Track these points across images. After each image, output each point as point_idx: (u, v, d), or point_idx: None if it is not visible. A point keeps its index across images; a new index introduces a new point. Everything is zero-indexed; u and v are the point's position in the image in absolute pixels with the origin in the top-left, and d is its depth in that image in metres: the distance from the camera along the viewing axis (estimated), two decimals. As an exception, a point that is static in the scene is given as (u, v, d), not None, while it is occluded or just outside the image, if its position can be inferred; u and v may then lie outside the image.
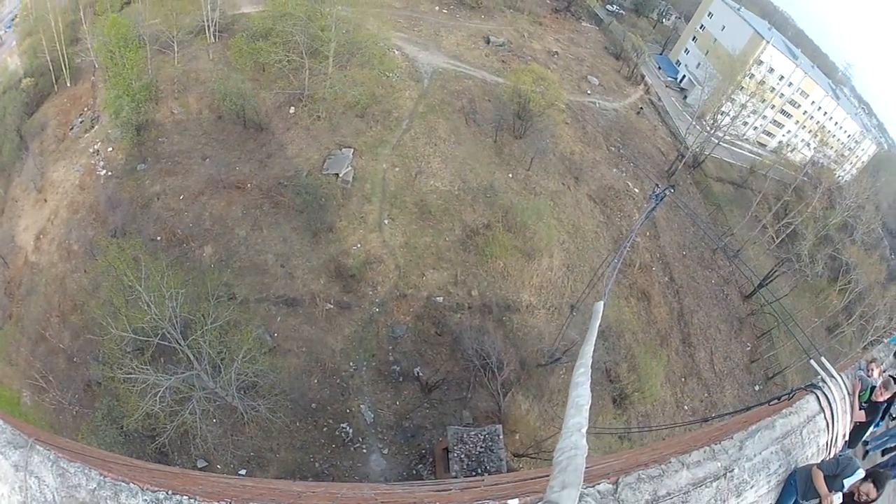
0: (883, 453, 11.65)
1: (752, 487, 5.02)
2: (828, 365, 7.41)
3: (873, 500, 5.45)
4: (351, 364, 31.04)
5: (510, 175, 42.46)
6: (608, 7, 78.37)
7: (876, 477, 5.58)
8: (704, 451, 4.85)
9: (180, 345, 24.29)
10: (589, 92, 55.55)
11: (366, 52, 41.97)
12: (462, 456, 24.57)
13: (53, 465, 3.60)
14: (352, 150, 39.88)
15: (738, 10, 67.65)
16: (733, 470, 4.86)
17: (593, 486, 3.83)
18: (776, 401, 7.05)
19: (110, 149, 41.09)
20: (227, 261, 34.31)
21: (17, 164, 44.41)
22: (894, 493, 8.25)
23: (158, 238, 35.60)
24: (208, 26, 46.82)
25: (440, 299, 34.33)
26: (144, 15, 47.36)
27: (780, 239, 52.75)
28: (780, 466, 5.57)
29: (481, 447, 24.91)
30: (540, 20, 62.92)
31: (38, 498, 3.58)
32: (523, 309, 35.60)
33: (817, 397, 6.81)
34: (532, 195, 41.28)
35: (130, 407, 23.64)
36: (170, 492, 3.52)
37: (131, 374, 23.26)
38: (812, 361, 7.70)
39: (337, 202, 36.97)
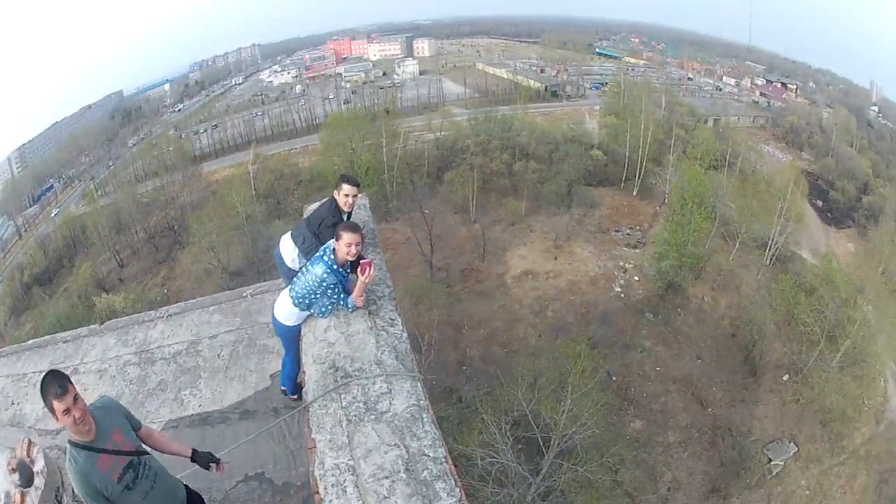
0: None
1: None
2: None
3: None
4: None
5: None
6: None
7: None
8: None
9: (547, 455, 24.55)
10: None
11: (866, 366, 37.84)
12: None
13: (415, 407, 3.91)
14: (796, 449, 36.39)
15: None
16: None
17: None
18: None
19: (636, 278, 43.61)
20: (641, 446, 34.09)
21: (552, 206, 50.34)
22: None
23: (614, 378, 37.01)
24: (770, 247, 46.04)
25: None
26: (725, 192, 48.92)
27: None
28: None
29: None
30: None
31: (371, 395, 4.02)
32: None
33: None
34: None
35: (465, 440, 24.57)
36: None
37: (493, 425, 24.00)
38: None
39: (749, 482, 34.27)
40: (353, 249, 4.58)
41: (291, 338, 5.12)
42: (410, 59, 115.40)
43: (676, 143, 55.69)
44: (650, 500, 32.61)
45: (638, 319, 41.29)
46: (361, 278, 4.62)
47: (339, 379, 4.19)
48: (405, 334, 4.76)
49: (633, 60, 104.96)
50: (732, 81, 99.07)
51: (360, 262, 4.66)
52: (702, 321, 42.25)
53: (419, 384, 4.19)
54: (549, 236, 47.88)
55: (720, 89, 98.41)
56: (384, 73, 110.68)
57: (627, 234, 49.29)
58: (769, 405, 38.54)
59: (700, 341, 41.20)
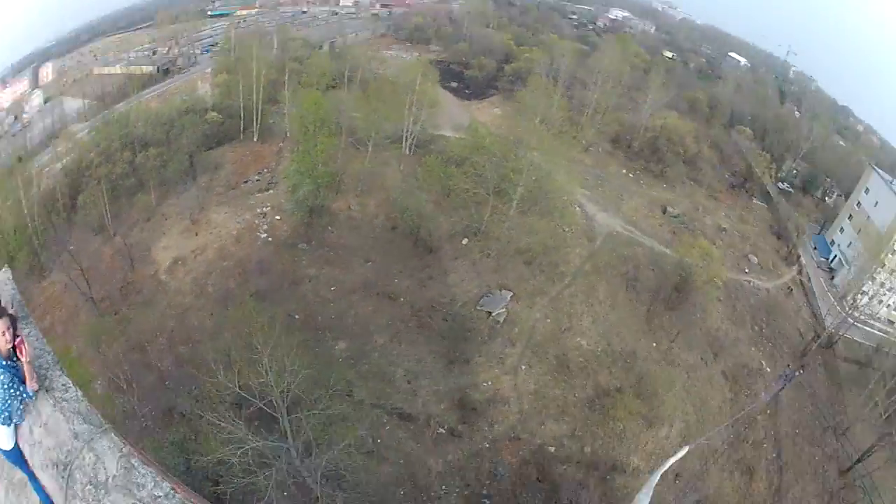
0: None
1: None
2: None
3: None
4: (443, 487, 30.74)
5: (654, 345, 41.77)
6: (780, 185, 76.54)
7: None
8: None
9: (282, 416, 24.44)
10: (747, 270, 54.62)
11: (550, 202, 42.30)
12: None
13: (123, 457, 4.11)
14: (511, 293, 40.28)
15: (892, 182, 62.98)
16: None
17: None
18: None
19: (278, 217, 43.67)
20: (356, 360, 35.13)
21: (178, 184, 47.69)
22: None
23: (297, 316, 37.00)
24: (406, 138, 49.37)
25: (552, 449, 34.03)
26: (347, 105, 50.69)
27: (887, 415, 47.62)
28: None
29: None
30: (716, 195, 62.74)
31: (89, 472, 4.08)
32: (629, 472, 34.49)
33: None
34: (670, 366, 40.55)
35: (208, 448, 23.54)
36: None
37: (221, 421, 23.28)
38: None
39: (481, 338, 37.39)
40: (7, 336, 4.54)
41: (21, 460, 4.78)
42: (37, 90, 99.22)
43: (291, 77, 55.75)
44: (401, 399, 33.86)
45: (294, 254, 41.78)
46: (23, 360, 4.53)
47: (64, 476, 4.22)
48: (80, 392, 4.78)
49: (244, 12, 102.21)
50: (350, 2, 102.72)
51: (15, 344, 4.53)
52: (356, 228, 44.04)
53: (113, 434, 4.30)
54: (184, 216, 45.51)
55: (336, 13, 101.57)
56: (15, 118, 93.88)
57: (257, 181, 49.10)
58: (460, 270, 41.88)
59: (363, 246, 42.85)
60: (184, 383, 32.03)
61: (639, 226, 51.13)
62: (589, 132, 59.95)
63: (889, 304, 62.88)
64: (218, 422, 23.56)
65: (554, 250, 43.51)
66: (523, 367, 36.71)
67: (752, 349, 46.17)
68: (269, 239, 42.34)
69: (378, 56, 71.56)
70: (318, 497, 25.84)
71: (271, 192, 46.34)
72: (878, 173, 64.53)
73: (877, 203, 62.50)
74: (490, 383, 35.52)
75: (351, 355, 35.33)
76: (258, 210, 44.46)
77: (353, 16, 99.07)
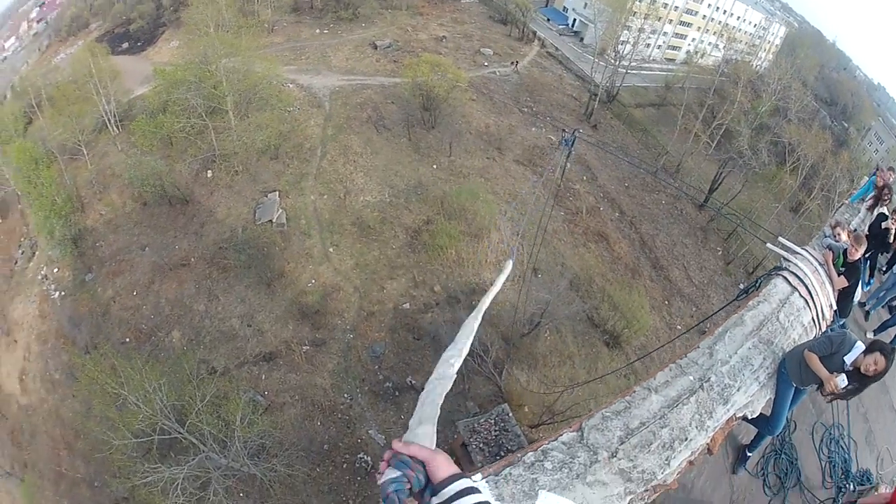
0: (890, 310, 11.46)
1: (738, 389, 4.86)
2: (787, 243, 7.36)
3: (883, 371, 5.05)
4: (346, 395, 31.35)
5: (434, 166, 43.14)
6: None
7: (881, 348, 5.12)
8: (670, 370, 4.65)
9: (181, 433, 24.55)
10: (486, 64, 56.48)
11: (261, 95, 42.16)
12: (480, 445, 24.55)
13: None
14: (276, 192, 40.24)
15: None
16: (710, 378, 4.71)
17: (556, 439, 3.65)
18: (744, 295, 6.82)
19: (56, 269, 40.39)
20: (196, 339, 34.24)
21: None
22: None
23: (127, 340, 35.29)
24: (108, 119, 46.34)
25: (407, 306, 34.85)
26: (48, 129, 46.66)
27: (715, 142, 54.05)
28: (764, 359, 5.35)
29: (495, 431, 24.84)
30: (420, 11, 63.53)
31: None
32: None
33: (785, 278, 6.61)
34: (461, 178, 42.12)
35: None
36: None
37: (147, 476, 23.27)
38: (769, 245, 7.67)
39: (279, 247, 37.33)
40: None
41: None
42: None
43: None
44: (254, 344, 33.30)
45: (86, 288, 39.04)
46: None
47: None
48: None
49: None
50: (12, 41, 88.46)
51: None
52: (117, 227, 41.54)
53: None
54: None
55: (5, 58, 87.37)
56: None
57: (23, 254, 44.31)
58: (222, 202, 40.72)
59: (132, 243, 40.55)
60: (103, 472, 29.86)
61: (357, 71, 51.55)
62: (267, 12, 58.65)
63: (659, 46, 69.58)
64: (143, 480, 23.23)
65: (290, 134, 43.55)
66: (331, 250, 37.22)
67: (533, 129, 48.80)
68: (62, 293, 38.92)
69: (51, 68, 63.95)
70: (261, 477, 26.02)
71: (37, 253, 42.12)
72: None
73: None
74: (314, 281, 35.74)
75: (189, 337, 34.31)
76: (38, 277, 40.71)
77: (19, 48, 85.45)
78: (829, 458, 8.01)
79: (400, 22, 60.49)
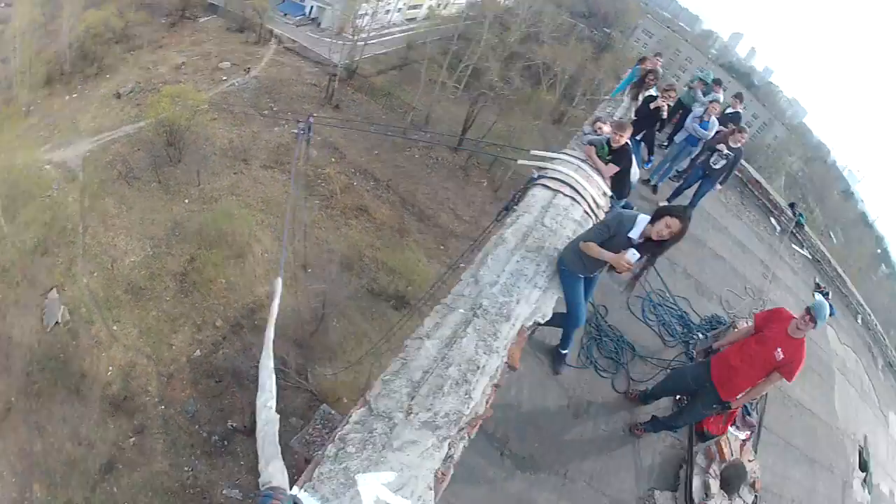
0: (679, 177, 12.23)
1: (518, 302, 4.81)
2: (539, 153, 7.44)
3: (680, 231, 4.88)
4: (186, 469, 30.24)
5: (186, 201, 42.39)
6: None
7: (668, 211, 4.95)
8: (437, 312, 4.51)
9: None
10: (224, 77, 55.31)
11: (24, 188, 40.88)
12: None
13: None
14: (54, 289, 38.08)
15: None
16: (482, 304, 4.64)
17: (348, 422, 3.51)
18: (505, 213, 6.66)
19: None
20: (51, 483, 30.29)
21: None
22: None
23: None
24: None
25: (198, 353, 34.40)
26: None
27: (463, 83, 53.96)
28: (538, 265, 5.30)
29: (326, 433, 25.68)
30: (160, 44, 61.21)
31: None
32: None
33: (543, 185, 6.63)
34: (213, 203, 41.57)
35: None
36: None
37: None
38: (520, 161, 7.68)
39: (72, 347, 35.06)
40: None
41: None
42: None
43: None
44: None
45: None
46: None
47: None
48: None
49: None
50: None
51: None
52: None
53: None
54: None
55: None
56: None
57: None
58: (11, 315, 36.56)
59: None
60: None
61: (104, 128, 49.58)
62: (24, 93, 56.77)
63: (398, 10, 66.85)
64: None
65: (53, 221, 41.68)
66: (115, 328, 35.59)
67: (275, 129, 47.71)
68: None
69: None
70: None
71: None
72: None
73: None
74: (111, 367, 33.93)
75: (44, 484, 30.07)
76: None
77: None
78: (659, 321, 8.22)
79: (142, 61, 57.60)
